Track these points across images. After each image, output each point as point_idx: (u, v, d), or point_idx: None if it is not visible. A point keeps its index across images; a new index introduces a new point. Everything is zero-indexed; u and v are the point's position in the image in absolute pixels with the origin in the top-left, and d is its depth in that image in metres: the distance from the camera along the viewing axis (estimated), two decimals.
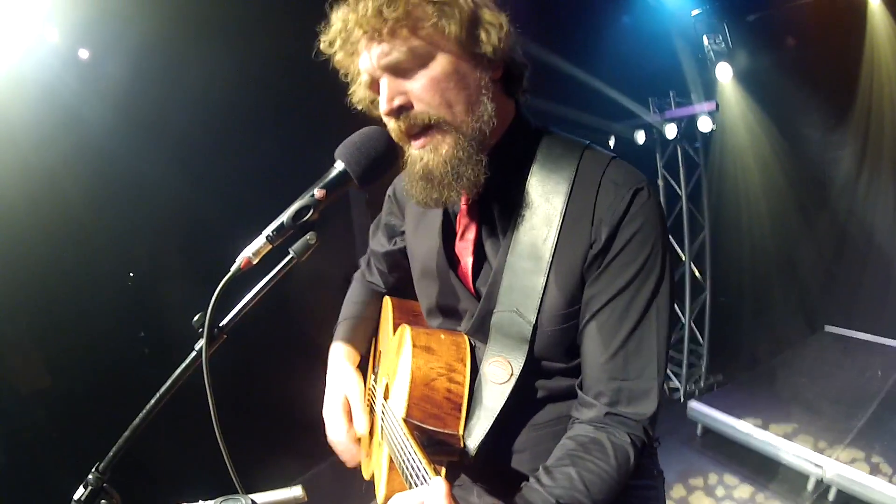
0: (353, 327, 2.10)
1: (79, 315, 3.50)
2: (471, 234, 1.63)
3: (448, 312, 1.75)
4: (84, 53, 3.52)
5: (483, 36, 1.42)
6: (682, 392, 6.17)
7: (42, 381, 3.50)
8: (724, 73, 6.11)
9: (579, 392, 1.54)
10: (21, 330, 3.43)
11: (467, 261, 1.65)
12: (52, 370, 3.53)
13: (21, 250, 3.25)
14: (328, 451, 1.87)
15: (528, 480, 1.44)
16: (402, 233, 1.99)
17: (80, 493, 1.28)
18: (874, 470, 3.90)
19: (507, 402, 1.51)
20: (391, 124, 1.44)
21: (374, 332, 2.22)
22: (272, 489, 1.27)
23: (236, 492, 1.25)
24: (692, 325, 6.59)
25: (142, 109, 3.59)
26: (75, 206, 3.42)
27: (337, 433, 1.85)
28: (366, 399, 1.86)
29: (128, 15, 3.44)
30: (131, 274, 3.82)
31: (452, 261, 1.70)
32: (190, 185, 3.75)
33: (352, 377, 1.89)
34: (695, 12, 6.05)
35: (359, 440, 1.86)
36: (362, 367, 2.01)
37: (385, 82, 1.40)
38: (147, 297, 3.80)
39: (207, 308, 1.23)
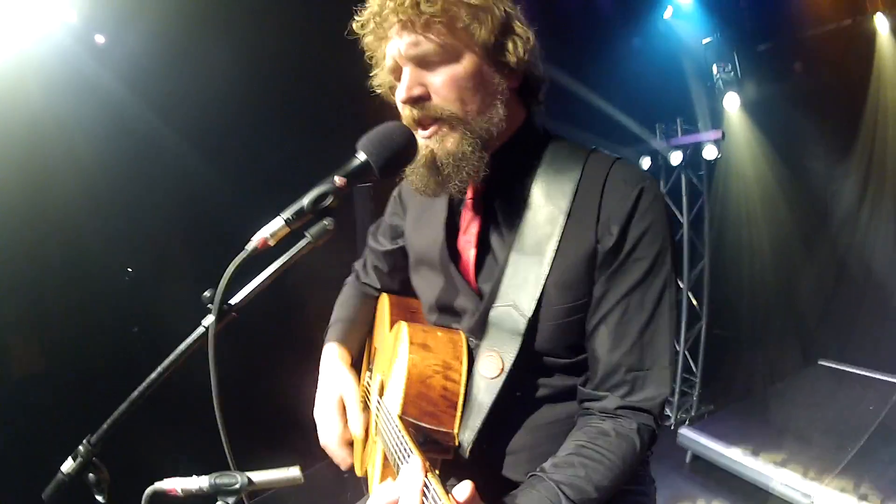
0: (345, 330, 2.09)
1: (77, 304, 3.49)
2: (474, 230, 1.67)
3: (448, 309, 1.76)
4: (100, 38, 3.53)
5: (510, 46, 1.49)
6: (673, 420, 6.13)
7: (36, 367, 3.48)
8: (732, 103, 6.14)
9: (585, 389, 1.56)
10: (18, 315, 3.41)
11: (469, 256, 1.68)
12: (46, 356, 3.52)
13: (21, 238, 3.25)
14: (321, 451, 1.84)
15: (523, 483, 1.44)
16: (404, 233, 2.01)
17: (68, 464, 1.28)
18: (863, 500, 3.87)
19: (500, 398, 1.52)
20: (405, 112, 1.50)
21: (367, 334, 2.21)
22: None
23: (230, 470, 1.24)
24: (686, 353, 6.57)
25: (155, 95, 3.60)
26: (87, 187, 3.42)
27: (330, 435, 1.81)
28: (361, 396, 1.85)
29: None
30: (129, 270, 3.80)
31: (455, 256, 1.72)
32: (195, 179, 3.75)
33: (347, 377, 1.87)
34: (706, 40, 6.09)
35: (351, 442, 1.83)
36: (356, 367, 1.99)
37: (407, 71, 1.47)
38: (146, 288, 3.79)
39: (218, 284, 1.24)
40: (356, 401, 1.80)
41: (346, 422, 1.79)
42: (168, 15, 3.51)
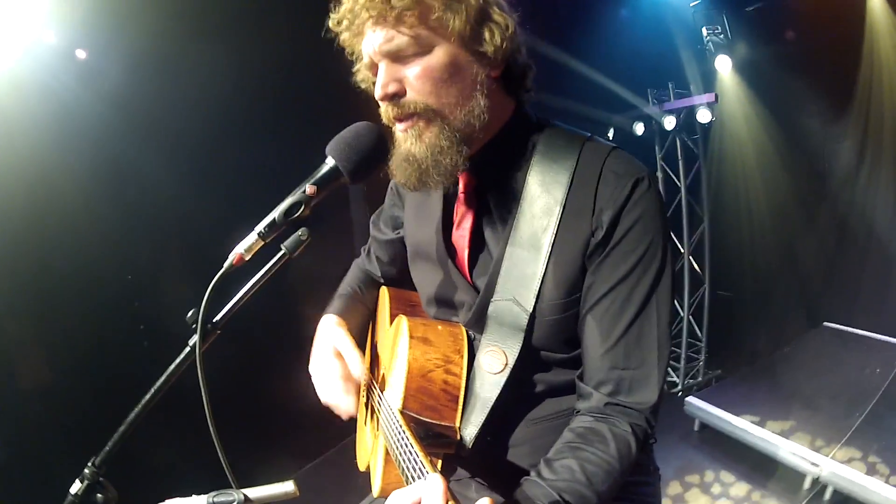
0: (346, 304, 2.07)
1: (78, 312, 3.48)
2: (467, 223, 1.64)
3: (446, 303, 1.74)
4: (81, 53, 3.50)
5: (486, 35, 1.44)
6: (679, 387, 6.16)
7: (41, 377, 3.49)
8: (724, 65, 6.10)
9: (579, 383, 1.53)
10: (20, 326, 3.41)
11: (464, 250, 1.65)
12: (51, 366, 3.52)
13: (20, 247, 3.23)
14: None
15: (526, 475, 1.43)
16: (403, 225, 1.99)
17: (76, 487, 1.29)
18: (871, 470, 3.87)
19: (503, 393, 1.50)
20: (382, 107, 1.48)
21: (369, 319, 2.20)
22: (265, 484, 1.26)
23: (230, 487, 1.24)
24: (691, 318, 6.59)
25: (138, 109, 3.56)
26: (74, 203, 3.39)
27: (330, 383, 1.73)
28: (364, 379, 1.83)
29: (125, 14, 3.42)
30: (129, 277, 3.80)
31: (450, 250, 1.70)
32: (188, 183, 3.73)
33: (341, 333, 1.81)
34: (694, 3, 6.05)
35: (355, 390, 1.77)
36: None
37: (383, 67, 1.43)
38: (145, 294, 3.79)
39: (201, 304, 1.23)
40: (353, 347, 1.75)
41: (345, 365, 1.74)
42: (151, 26, 3.48)
